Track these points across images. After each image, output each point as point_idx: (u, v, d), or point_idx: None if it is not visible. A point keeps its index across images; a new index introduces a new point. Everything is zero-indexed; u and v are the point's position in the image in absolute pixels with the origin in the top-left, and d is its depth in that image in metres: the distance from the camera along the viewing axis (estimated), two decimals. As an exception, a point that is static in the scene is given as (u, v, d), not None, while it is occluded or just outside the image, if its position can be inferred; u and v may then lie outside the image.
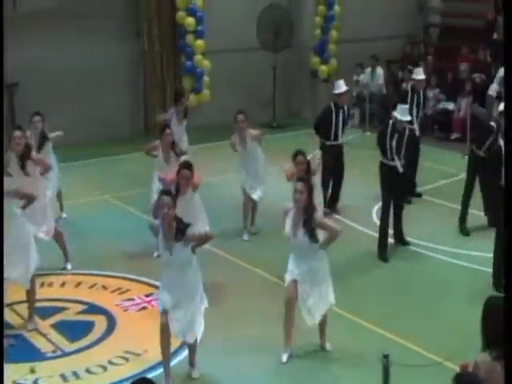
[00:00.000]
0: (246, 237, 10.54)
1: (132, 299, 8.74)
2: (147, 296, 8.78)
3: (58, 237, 9.32)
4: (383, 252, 9.89)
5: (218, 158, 13.45)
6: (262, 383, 7.14)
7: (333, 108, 11.12)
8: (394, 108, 10.24)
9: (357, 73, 17.48)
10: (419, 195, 12.22)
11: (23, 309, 8.17)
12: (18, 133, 8.95)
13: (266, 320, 8.04)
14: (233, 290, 8.93)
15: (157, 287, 8.85)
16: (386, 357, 5.92)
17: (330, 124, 11.12)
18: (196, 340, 7.03)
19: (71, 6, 14.74)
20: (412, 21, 19.03)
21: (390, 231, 10.15)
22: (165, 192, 6.86)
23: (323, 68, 17.33)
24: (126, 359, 7.46)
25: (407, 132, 9.99)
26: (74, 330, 7.98)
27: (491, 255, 9.13)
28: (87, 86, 15.15)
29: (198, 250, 6.91)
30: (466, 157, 11.24)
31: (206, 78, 15.91)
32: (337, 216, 11.26)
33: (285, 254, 7.54)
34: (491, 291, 8.44)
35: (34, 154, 9.18)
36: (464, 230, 10.68)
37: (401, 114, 9.94)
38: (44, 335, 7.88)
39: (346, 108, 11.29)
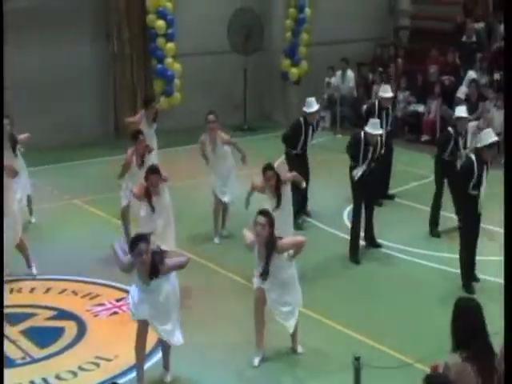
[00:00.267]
0: (217, 240, 10.51)
1: (103, 304, 8.68)
2: (118, 301, 8.71)
3: (20, 245, 9.19)
4: (355, 254, 9.92)
5: (188, 161, 13.39)
6: (233, 387, 7.13)
7: (302, 124, 11.06)
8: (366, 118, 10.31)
9: (328, 75, 17.54)
10: (392, 197, 12.28)
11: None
12: None
13: (236, 323, 8.03)
14: (203, 294, 8.90)
15: (128, 292, 8.81)
16: (357, 359, 5.94)
17: (299, 138, 11.08)
18: (170, 344, 7.00)
19: (40, 8, 14.61)
20: (382, 23, 19.14)
21: (362, 233, 10.18)
22: (140, 237, 6.61)
23: (294, 71, 17.36)
24: (97, 365, 7.41)
25: (379, 144, 10.06)
26: (44, 336, 7.91)
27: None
28: (56, 89, 15.02)
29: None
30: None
31: (176, 81, 15.87)
32: (308, 219, 11.28)
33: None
34: (461, 292, 8.52)
35: None
36: (435, 232, 10.75)
37: (372, 128, 9.94)
38: (13, 342, 7.78)
39: (314, 125, 11.24)
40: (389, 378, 6.65)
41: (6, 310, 7.97)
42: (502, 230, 10.84)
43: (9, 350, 7.61)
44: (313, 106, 11.10)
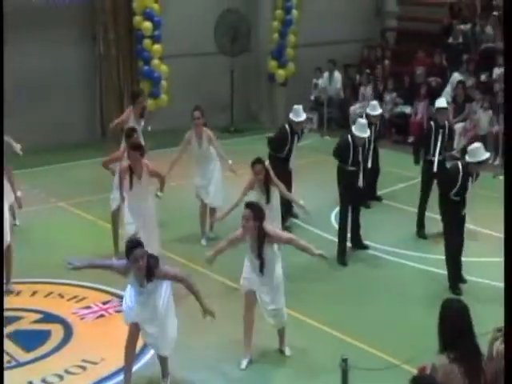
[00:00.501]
0: (203, 242, 10.48)
1: (89, 307, 8.63)
2: (104, 303, 8.68)
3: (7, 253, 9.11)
4: (342, 256, 9.91)
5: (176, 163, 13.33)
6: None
7: (288, 133, 10.94)
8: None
9: (316, 76, 17.57)
10: (379, 199, 12.28)
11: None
12: None
13: (222, 325, 7.97)
14: (189, 296, 8.84)
15: (114, 294, 8.80)
16: (344, 361, 5.93)
17: (285, 146, 10.97)
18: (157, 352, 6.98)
19: (26, 9, 14.53)
20: (369, 25, 19.19)
21: (348, 235, 10.18)
22: (134, 243, 6.58)
23: (281, 72, 17.36)
24: (84, 368, 7.37)
25: (366, 145, 10.07)
26: (30, 340, 7.84)
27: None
28: (42, 91, 14.96)
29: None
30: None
31: (163, 83, 15.82)
32: (294, 220, 11.26)
33: (242, 260, 7.49)
34: (448, 294, 8.53)
35: None
36: (421, 234, 10.76)
37: (359, 130, 9.92)
38: (-1, 345, 7.72)
39: (299, 134, 11.13)
40: (376, 379, 6.64)
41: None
42: (486, 231, 10.95)
43: (-6, 353, 7.58)
44: (300, 115, 10.94)
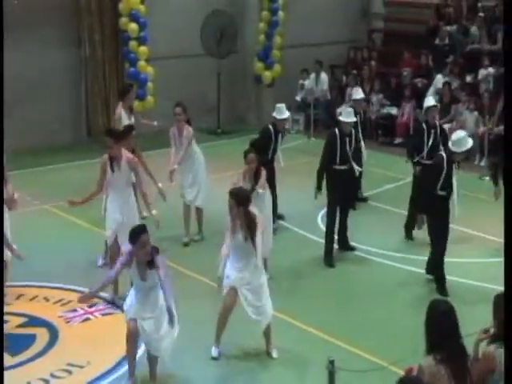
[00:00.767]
0: (185, 239, 10.42)
1: (75, 310, 8.57)
2: (90, 307, 8.62)
3: None
4: (329, 258, 9.89)
5: (162, 165, 13.27)
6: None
7: (272, 132, 10.90)
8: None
9: (302, 77, 17.58)
10: (365, 200, 12.28)
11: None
12: None
13: (207, 327, 7.93)
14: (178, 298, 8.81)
15: (100, 298, 8.75)
16: (331, 362, 5.92)
17: (269, 146, 10.92)
18: (157, 357, 6.96)
19: (11, 11, 14.43)
20: (355, 26, 19.20)
21: (336, 237, 10.16)
22: (141, 229, 6.71)
23: (267, 74, 17.35)
24: (69, 372, 7.33)
25: (353, 135, 10.03)
26: (15, 344, 7.76)
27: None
28: (28, 94, 14.87)
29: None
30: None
31: (149, 85, 15.76)
32: (281, 222, 11.23)
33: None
34: (435, 295, 8.52)
35: None
36: (410, 236, 10.72)
37: (346, 116, 9.98)
38: (-17, 350, 7.66)
39: (283, 133, 11.11)
40: (363, 381, 6.64)
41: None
42: (472, 232, 10.96)
43: (-22, 358, 7.51)
44: (283, 112, 10.93)
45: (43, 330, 8.11)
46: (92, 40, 15.57)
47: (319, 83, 17.46)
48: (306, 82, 17.54)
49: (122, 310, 8.39)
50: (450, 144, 8.88)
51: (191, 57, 16.54)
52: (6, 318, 8.28)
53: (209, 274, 9.11)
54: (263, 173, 9.22)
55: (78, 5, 15.54)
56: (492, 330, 5.23)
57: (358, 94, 12.16)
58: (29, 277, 9.28)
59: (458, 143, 8.76)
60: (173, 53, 16.21)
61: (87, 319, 8.39)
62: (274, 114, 10.95)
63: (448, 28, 17.08)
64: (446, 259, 9.09)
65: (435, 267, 9.07)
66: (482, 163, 14.14)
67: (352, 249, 10.31)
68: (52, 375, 7.24)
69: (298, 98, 17.59)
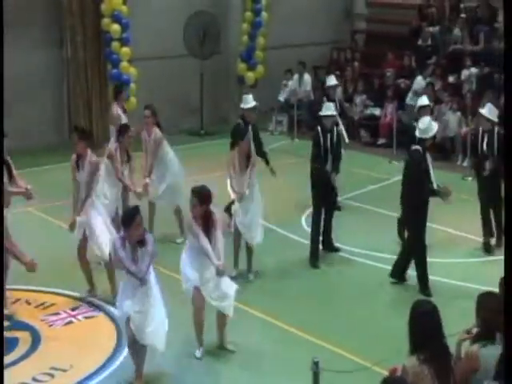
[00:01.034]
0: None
1: (57, 313, 8.52)
2: (73, 310, 8.58)
3: None
4: (315, 259, 9.88)
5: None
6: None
7: (242, 125, 10.88)
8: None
9: (286, 78, 17.60)
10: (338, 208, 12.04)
11: None
12: None
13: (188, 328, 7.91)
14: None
15: (83, 300, 8.71)
16: (315, 363, 5.91)
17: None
18: (144, 349, 6.99)
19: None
20: (338, 27, 19.23)
21: (320, 237, 10.15)
22: (135, 210, 6.94)
23: (250, 74, 17.34)
24: (52, 376, 7.28)
25: (335, 131, 10.00)
26: (-3, 348, 7.71)
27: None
28: (9, 96, 14.67)
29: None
30: (395, 162, 11.33)
31: (132, 86, 15.69)
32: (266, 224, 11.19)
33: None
34: (418, 295, 8.54)
35: None
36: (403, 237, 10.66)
37: (326, 109, 9.98)
38: (-36, 354, 7.58)
39: (253, 127, 10.99)
40: (347, 381, 6.63)
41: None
42: (455, 232, 10.98)
43: (-41, 362, 7.44)
44: (249, 101, 10.92)
45: (26, 334, 8.05)
46: (74, 41, 15.51)
47: (302, 84, 17.47)
48: (290, 83, 17.55)
49: (106, 312, 8.46)
50: (418, 133, 8.95)
51: (174, 57, 16.51)
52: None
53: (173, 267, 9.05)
54: (254, 152, 9.40)
55: (60, 6, 15.47)
56: (474, 330, 5.24)
57: (331, 80, 12.19)
58: (11, 280, 9.17)
59: (426, 130, 8.90)
60: (155, 53, 16.16)
61: (70, 322, 8.33)
62: (241, 105, 10.96)
63: (431, 29, 17.15)
64: (429, 259, 9.11)
65: (417, 267, 9.07)
66: (465, 163, 14.19)
67: (336, 250, 10.31)
68: (34, 379, 7.19)
69: (281, 98, 17.59)
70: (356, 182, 12.87)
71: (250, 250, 9.48)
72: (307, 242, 10.07)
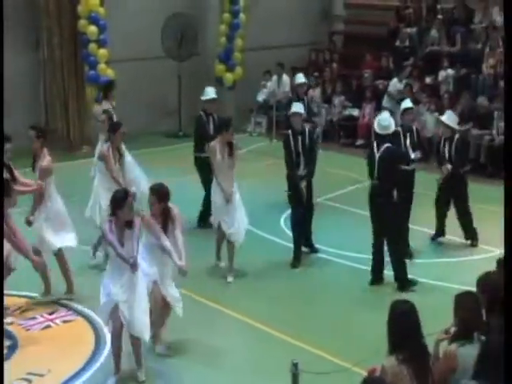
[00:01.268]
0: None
1: (34, 318, 8.42)
2: (50, 314, 8.49)
3: None
4: (298, 261, 9.84)
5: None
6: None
7: (204, 117, 10.92)
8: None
9: (265, 79, 17.60)
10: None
11: None
12: None
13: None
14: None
15: (60, 304, 8.63)
16: (295, 365, 5.89)
17: (206, 134, 10.88)
18: (139, 340, 7.00)
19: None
20: (316, 28, 19.26)
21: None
22: (126, 193, 7.05)
23: (228, 76, 17.32)
24: (29, 381, 7.20)
25: (307, 131, 9.88)
26: (-27, 354, 7.62)
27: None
28: (-15, 97, 14.61)
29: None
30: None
31: (109, 88, 15.59)
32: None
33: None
34: (397, 295, 8.53)
35: None
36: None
37: (295, 107, 9.90)
38: None
39: (215, 116, 11.06)
40: (327, 382, 6.61)
41: None
42: (433, 232, 10.98)
43: None
44: (209, 93, 10.96)
45: (2, 339, 7.95)
46: (50, 43, 15.39)
47: (281, 85, 17.45)
48: (268, 84, 17.55)
49: (84, 316, 8.39)
50: (379, 130, 9.03)
51: (152, 59, 16.44)
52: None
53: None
54: (235, 142, 9.51)
55: (37, 7, 15.35)
56: (452, 330, 5.25)
57: (299, 78, 12.21)
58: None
59: (387, 127, 9.01)
60: (133, 55, 16.09)
61: (48, 326, 8.24)
62: (202, 97, 11.03)
63: (408, 30, 17.22)
64: (408, 260, 9.15)
65: (397, 266, 9.09)
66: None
67: (316, 251, 10.30)
68: (11, 385, 7.11)
69: (260, 99, 17.58)
70: (334, 183, 12.88)
71: (232, 247, 9.49)
72: (286, 243, 10.07)
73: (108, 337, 7.63)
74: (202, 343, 7.81)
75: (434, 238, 10.62)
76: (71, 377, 7.25)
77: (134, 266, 6.83)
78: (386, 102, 15.78)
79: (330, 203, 12.36)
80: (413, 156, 10.03)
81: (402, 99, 10.75)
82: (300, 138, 9.71)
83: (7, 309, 8.10)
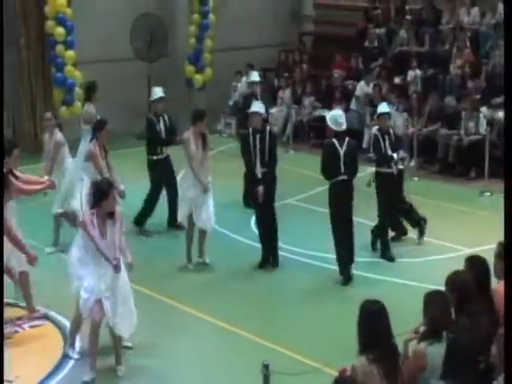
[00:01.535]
0: (48, 249, 9.95)
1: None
2: (18, 319, 8.36)
3: None
4: (265, 262, 9.81)
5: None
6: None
7: (153, 119, 10.84)
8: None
9: (236, 80, 17.59)
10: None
11: None
12: None
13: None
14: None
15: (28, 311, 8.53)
16: (265, 366, 5.87)
17: (157, 137, 10.79)
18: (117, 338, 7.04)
19: None
20: (286, 29, 19.28)
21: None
22: (110, 183, 7.21)
23: (198, 77, 17.27)
24: (-3, 387, 7.07)
25: (267, 131, 9.71)
26: None
27: (367, 260, 9.38)
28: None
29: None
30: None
31: (77, 90, 15.46)
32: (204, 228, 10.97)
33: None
34: (366, 295, 8.44)
35: None
36: (397, 237, 10.70)
37: (254, 106, 9.83)
38: None
39: (165, 117, 10.96)
40: (298, 383, 6.60)
41: None
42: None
43: None
44: (156, 93, 10.92)
45: (-32, 346, 7.83)
46: (17, 44, 15.21)
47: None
48: (238, 85, 17.53)
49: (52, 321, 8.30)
50: (334, 126, 9.24)
51: (121, 61, 16.33)
52: None
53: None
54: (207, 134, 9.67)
55: (3, 7, 15.15)
56: (422, 329, 5.27)
57: (253, 76, 12.28)
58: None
59: (341, 124, 9.23)
60: (102, 57, 15.96)
61: (15, 332, 8.12)
62: (150, 99, 11.08)
63: (377, 30, 17.31)
64: (376, 259, 9.18)
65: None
66: (412, 164, 14.32)
67: (276, 265, 10.11)
68: (-22, 393, 6.98)
69: (231, 102, 17.57)
70: (304, 184, 12.89)
71: (203, 235, 9.65)
72: (256, 244, 10.04)
73: (78, 342, 7.58)
74: (170, 345, 7.76)
75: (394, 239, 10.59)
76: (40, 382, 7.18)
77: (117, 268, 6.84)
78: (353, 104, 15.86)
79: (300, 204, 12.37)
80: (395, 156, 10.05)
81: (371, 102, 10.79)
82: (259, 137, 9.54)
83: None
